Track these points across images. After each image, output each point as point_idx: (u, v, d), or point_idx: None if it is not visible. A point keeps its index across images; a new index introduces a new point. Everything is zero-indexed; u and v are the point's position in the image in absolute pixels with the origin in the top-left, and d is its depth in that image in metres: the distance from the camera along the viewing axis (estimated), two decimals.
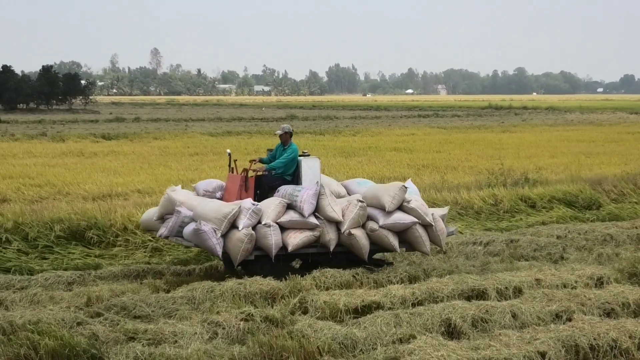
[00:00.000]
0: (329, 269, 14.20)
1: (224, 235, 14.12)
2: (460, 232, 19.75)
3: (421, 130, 59.89)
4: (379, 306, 12.04)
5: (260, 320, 11.34)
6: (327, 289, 13.40)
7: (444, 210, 15.84)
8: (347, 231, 14.42)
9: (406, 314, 11.37)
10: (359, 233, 14.55)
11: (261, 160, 16.06)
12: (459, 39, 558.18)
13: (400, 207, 14.86)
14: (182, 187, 16.42)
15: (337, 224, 14.60)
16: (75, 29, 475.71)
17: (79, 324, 11.29)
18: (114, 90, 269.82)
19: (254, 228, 14.17)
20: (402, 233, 14.86)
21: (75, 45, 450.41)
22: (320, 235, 14.53)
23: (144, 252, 17.57)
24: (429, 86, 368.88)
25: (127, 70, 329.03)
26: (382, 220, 14.67)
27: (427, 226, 14.98)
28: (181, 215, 14.74)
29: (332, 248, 14.53)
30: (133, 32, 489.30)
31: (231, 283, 13.08)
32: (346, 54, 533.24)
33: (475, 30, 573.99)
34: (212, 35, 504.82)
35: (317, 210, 14.59)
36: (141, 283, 14.47)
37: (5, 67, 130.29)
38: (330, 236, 14.52)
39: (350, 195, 15.42)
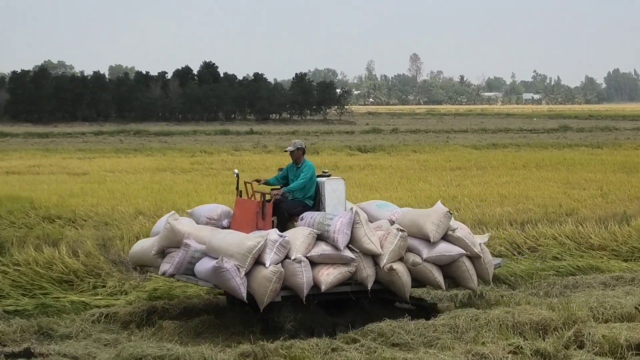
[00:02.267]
0: (605, 299, 13.75)
1: (247, 274, 12.83)
2: None
3: None
4: None
5: (531, 354, 11.24)
6: (605, 321, 13.05)
7: (485, 237, 14.84)
8: (388, 266, 13.37)
9: None
10: (400, 268, 13.47)
11: (267, 182, 14.91)
12: None
13: (444, 237, 13.89)
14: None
15: (373, 258, 13.47)
16: (330, 35, 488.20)
17: (333, 350, 11.59)
18: (371, 100, 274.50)
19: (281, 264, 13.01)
20: (446, 267, 13.86)
21: (330, 52, 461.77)
22: (357, 271, 13.36)
23: None
24: None
25: (384, 78, 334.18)
26: (426, 252, 13.66)
27: (474, 258, 14.06)
28: (190, 250, 13.43)
29: (369, 286, 13.38)
30: (391, 37, 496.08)
31: (497, 311, 12.96)
32: (627, 58, 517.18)
33: None
34: (475, 39, 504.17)
35: (351, 242, 13.38)
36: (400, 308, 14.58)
37: (257, 75, 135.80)
38: (368, 272, 13.35)
39: (371, 221, 14.17)
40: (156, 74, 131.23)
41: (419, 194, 26.57)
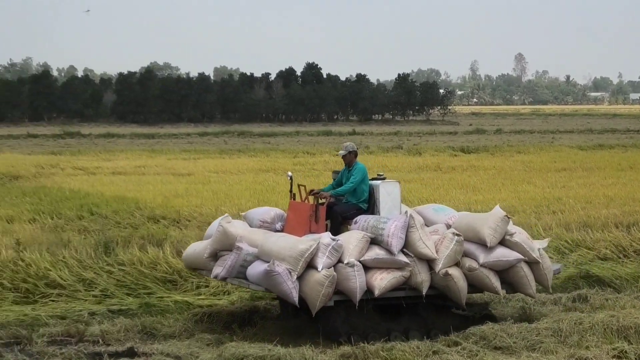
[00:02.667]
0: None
1: (299, 277, 12.62)
2: None
3: None
4: None
5: (635, 359, 11.07)
6: None
7: (544, 242, 14.27)
8: (444, 271, 13.00)
9: None
10: (456, 273, 13.09)
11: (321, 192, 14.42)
12: None
13: (502, 241, 13.50)
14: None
15: (428, 262, 13.14)
16: (434, 35, 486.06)
17: (434, 352, 11.60)
18: (474, 100, 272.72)
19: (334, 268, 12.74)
20: (503, 272, 13.45)
21: (433, 52, 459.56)
22: (411, 276, 13.05)
23: None
24: None
25: (488, 77, 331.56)
26: (483, 257, 13.28)
27: (532, 263, 13.59)
28: (242, 253, 13.26)
29: (424, 291, 13.05)
30: (495, 37, 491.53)
31: (602, 315, 12.78)
32: None
33: None
34: (580, 38, 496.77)
35: (406, 246, 13.05)
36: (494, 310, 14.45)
37: (359, 76, 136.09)
38: (423, 277, 13.01)
39: (427, 225, 13.83)
40: (260, 75, 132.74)
41: (523, 196, 26.33)
